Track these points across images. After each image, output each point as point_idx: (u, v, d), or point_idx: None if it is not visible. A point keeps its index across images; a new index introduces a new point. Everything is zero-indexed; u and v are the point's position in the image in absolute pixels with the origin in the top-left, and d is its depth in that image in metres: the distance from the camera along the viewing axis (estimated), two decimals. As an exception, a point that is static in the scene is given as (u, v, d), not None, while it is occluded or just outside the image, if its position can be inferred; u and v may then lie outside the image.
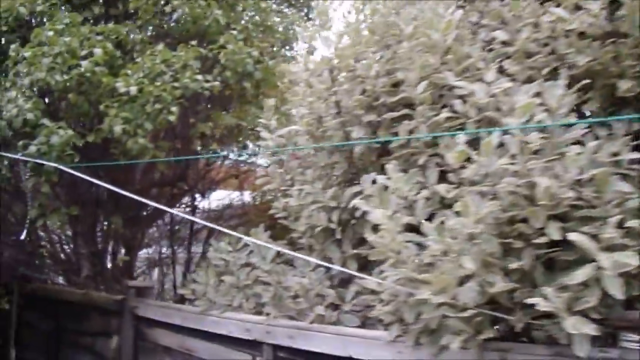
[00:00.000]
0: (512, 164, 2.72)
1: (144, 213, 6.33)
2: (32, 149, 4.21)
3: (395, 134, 3.58)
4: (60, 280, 6.41)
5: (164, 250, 6.73)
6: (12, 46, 4.63)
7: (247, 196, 6.25)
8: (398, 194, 2.96)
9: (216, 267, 4.72)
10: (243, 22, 5.68)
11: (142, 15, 5.42)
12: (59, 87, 4.57)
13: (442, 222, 2.68)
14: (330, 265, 3.43)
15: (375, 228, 2.92)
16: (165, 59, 4.69)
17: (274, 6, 5.91)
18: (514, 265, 2.57)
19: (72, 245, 6.16)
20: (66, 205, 4.96)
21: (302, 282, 3.84)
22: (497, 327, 2.77)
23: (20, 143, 4.30)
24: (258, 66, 5.04)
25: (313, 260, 3.46)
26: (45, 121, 4.39)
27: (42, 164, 4.36)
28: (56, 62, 4.49)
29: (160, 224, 6.57)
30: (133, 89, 4.43)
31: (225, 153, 5.22)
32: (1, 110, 4.42)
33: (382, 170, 3.74)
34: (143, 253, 6.94)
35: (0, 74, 4.94)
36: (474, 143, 2.90)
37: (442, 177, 3.23)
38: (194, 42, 5.01)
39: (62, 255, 6.48)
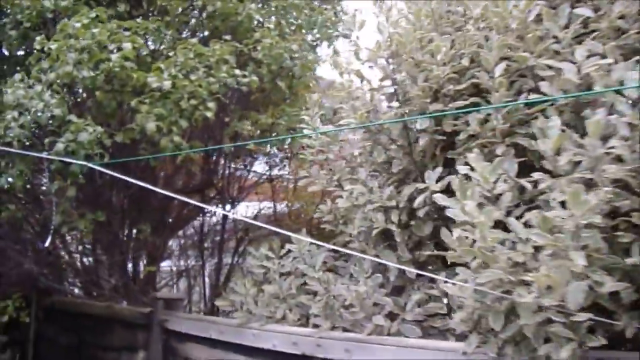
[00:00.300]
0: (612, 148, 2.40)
1: (169, 220, 6.01)
2: (60, 146, 3.89)
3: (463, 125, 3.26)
4: (79, 292, 6.05)
5: (188, 260, 6.39)
6: (38, 38, 4.34)
7: (279, 202, 5.89)
8: (482, 186, 2.62)
9: (254, 276, 4.39)
10: (274, 18, 5.41)
11: (171, 12, 5.15)
12: (85, 83, 4.28)
13: (543, 216, 2.34)
14: (408, 269, 3.08)
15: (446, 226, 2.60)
16: (200, 53, 4.39)
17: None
18: (629, 261, 2.24)
19: (92, 255, 5.82)
20: (91, 210, 4.63)
21: (357, 290, 3.48)
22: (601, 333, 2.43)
23: (47, 140, 3.99)
24: (297, 62, 4.73)
25: (392, 264, 3.09)
26: (73, 117, 4.09)
27: (69, 164, 4.04)
28: (83, 56, 4.19)
29: (184, 232, 6.23)
30: (167, 84, 4.13)
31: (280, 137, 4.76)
32: (26, 107, 4.11)
33: (445, 165, 3.43)
34: (165, 264, 6.60)
35: (23, 69, 4.65)
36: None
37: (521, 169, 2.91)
38: (227, 37, 4.71)
39: (80, 266, 6.14)
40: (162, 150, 4.05)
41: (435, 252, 2.95)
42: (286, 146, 5.18)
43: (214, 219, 6.28)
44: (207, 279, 5.74)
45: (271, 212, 5.97)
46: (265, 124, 4.74)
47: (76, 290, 6.21)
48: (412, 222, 3.53)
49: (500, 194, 2.68)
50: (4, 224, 5.44)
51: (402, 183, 3.68)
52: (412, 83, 3.36)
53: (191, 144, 4.38)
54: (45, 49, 4.35)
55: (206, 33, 5.18)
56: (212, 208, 4.84)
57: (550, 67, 2.78)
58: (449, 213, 2.69)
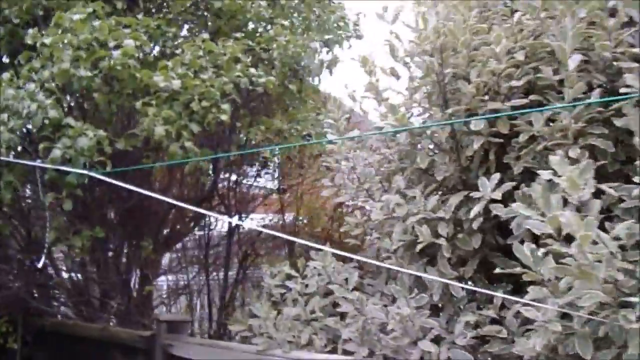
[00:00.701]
0: None
1: (164, 234, 5.54)
2: (56, 153, 3.44)
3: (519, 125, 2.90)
4: (71, 313, 5.54)
5: (186, 277, 5.91)
6: (30, 31, 3.89)
7: (288, 214, 5.46)
8: (568, 193, 2.26)
9: (271, 297, 3.97)
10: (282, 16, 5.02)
11: (174, 9, 4.74)
12: (81, 84, 3.83)
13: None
14: (478, 289, 2.69)
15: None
16: (210, 50, 3.98)
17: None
18: None
19: (83, 273, 5.33)
20: (88, 226, 4.17)
21: (400, 312, 3.09)
22: None
23: (41, 146, 3.53)
24: (315, 61, 4.35)
25: (457, 284, 2.70)
26: (70, 121, 3.64)
27: (66, 173, 3.59)
28: (81, 53, 3.76)
29: (183, 246, 5.77)
30: (176, 84, 3.71)
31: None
32: (16, 110, 3.64)
33: (497, 170, 3.06)
34: (159, 280, 6.11)
35: (11, 70, 4.19)
36: None
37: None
38: (238, 35, 4.31)
39: (71, 284, 5.64)
40: (170, 157, 3.61)
41: (507, 271, 2.56)
42: (297, 154, 4.76)
43: (215, 232, 5.83)
44: (209, 298, 5.23)
45: (278, 224, 5.53)
46: (278, 129, 4.33)
47: (68, 312, 5.69)
48: (459, 235, 3.16)
49: (584, 202, 2.33)
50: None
51: (446, 192, 3.31)
52: (461, 80, 3.00)
53: (202, 150, 3.94)
54: (38, 44, 3.90)
55: (207, 32, 4.75)
56: (226, 218, 4.40)
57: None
58: (528, 225, 2.33)
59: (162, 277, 6.12)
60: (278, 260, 4.31)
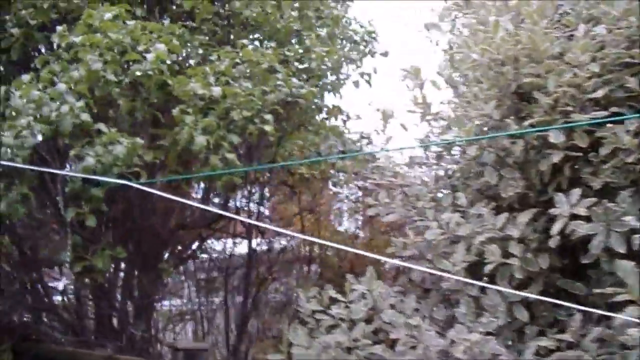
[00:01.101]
0: None
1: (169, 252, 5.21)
2: (90, 161, 3.13)
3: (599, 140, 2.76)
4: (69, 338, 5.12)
5: (185, 300, 5.56)
6: (59, 28, 3.63)
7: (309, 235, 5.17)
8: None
9: (306, 324, 3.68)
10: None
11: (198, 17, 4.52)
12: (107, 88, 3.57)
13: None
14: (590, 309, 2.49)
15: None
16: (248, 59, 3.76)
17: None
18: None
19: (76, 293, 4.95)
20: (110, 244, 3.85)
21: (468, 337, 2.86)
22: None
23: (72, 153, 3.23)
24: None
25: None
26: (101, 126, 3.36)
27: (96, 184, 3.30)
28: (113, 54, 3.51)
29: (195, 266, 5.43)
30: (216, 91, 3.47)
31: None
32: (40, 113, 3.35)
33: (571, 186, 2.90)
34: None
35: (28, 71, 3.91)
36: None
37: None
38: (272, 45, 4.12)
39: (74, 309, 5.25)
40: (211, 169, 3.35)
41: (599, 291, 2.38)
42: (333, 171, 4.52)
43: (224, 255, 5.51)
44: (227, 323, 4.88)
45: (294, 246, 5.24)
46: (313, 143, 4.12)
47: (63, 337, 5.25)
48: (527, 255, 2.98)
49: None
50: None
51: (511, 209, 3.12)
52: (536, 91, 2.85)
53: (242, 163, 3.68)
54: (63, 44, 3.64)
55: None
56: (277, 228, 4.11)
57: None
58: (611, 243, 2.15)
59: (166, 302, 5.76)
60: (308, 284, 4.04)
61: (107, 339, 4.78)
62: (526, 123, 2.84)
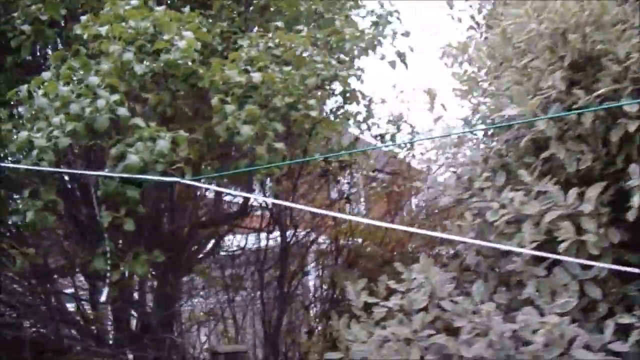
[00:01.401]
0: None
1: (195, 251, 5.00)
2: (133, 158, 2.93)
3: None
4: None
5: (211, 299, 5.35)
6: (83, 18, 3.41)
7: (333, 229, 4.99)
8: None
9: (357, 317, 3.52)
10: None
11: (215, 5, 4.33)
12: (135, 80, 3.37)
13: None
14: None
15: None
16: (282, 42, 3.58)
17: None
18: None
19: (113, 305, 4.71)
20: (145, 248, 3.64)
21: (546, 321, 2.74)
22: None
23: (113, 151, 3.02)
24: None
25: None
26: (138, 121, 3.15)
27: (133, 183, 3.10)
28: (143, 43, 3.31)
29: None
30: (256, 77, 3.29)
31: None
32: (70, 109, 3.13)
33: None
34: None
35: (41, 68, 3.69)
36: None
37: None
38: (300, 27, 3.94)
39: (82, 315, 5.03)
40: (257, 160, 3.18)
41: None
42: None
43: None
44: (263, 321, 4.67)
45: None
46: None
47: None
48: (600, 230, 2.87)
49: None
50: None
51: (574, 184, 3.01)
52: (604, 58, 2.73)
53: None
54: (86, 36, 3.42)
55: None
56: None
57: None
58: None
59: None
60: (352, 276, 3.89)
61: (147, 347, 4.54)
62: (598, 92, 2.72)
